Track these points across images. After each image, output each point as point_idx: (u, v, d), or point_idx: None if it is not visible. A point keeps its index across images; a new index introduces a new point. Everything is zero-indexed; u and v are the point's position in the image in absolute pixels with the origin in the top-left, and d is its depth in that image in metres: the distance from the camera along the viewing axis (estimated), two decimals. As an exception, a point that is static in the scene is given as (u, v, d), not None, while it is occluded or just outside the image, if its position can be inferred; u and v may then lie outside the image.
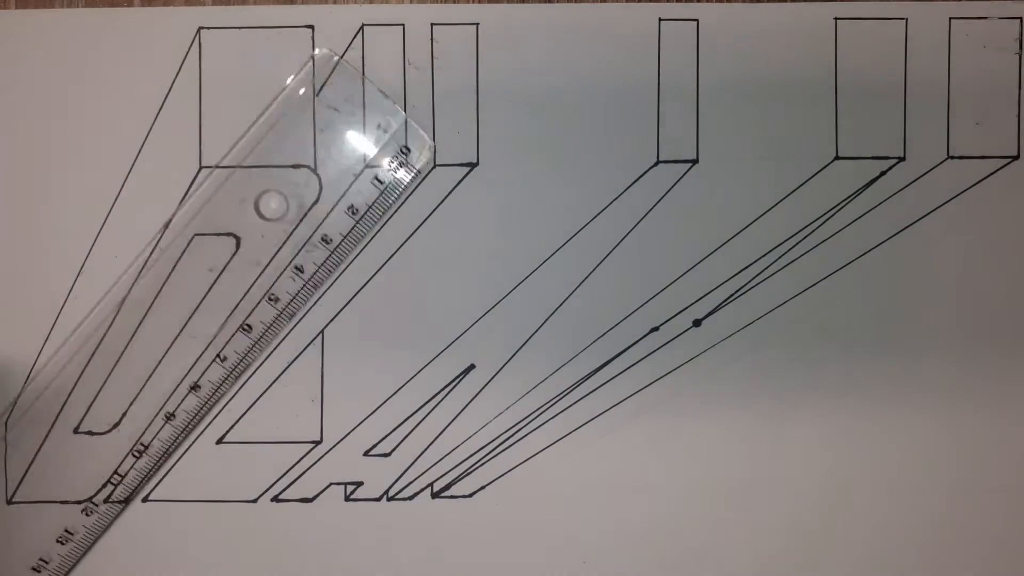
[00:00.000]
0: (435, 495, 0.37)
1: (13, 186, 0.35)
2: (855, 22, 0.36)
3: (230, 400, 0.36)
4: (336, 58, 0.36)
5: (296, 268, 0.36)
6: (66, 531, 0.36)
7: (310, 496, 0.37)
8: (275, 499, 0.37)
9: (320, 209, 0.36)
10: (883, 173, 0.37)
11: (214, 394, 0.36)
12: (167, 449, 0.36)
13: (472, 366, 0.37)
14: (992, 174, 0.37)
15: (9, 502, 0.36)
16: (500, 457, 0.37)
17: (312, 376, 0.37)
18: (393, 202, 0.36)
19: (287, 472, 0.37)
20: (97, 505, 0.36)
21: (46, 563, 0.36)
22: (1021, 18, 0.37)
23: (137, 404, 0.36)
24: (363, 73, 0.36)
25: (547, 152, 0.36)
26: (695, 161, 0.37)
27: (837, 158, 0.37)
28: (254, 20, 0.36)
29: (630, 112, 0.36)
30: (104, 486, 0.36)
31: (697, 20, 0.36)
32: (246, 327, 0.36)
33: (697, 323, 0.37)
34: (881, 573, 0.37)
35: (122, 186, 0.36)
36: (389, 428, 0.37)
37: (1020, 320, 0.37)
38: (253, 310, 0.36)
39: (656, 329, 0.37)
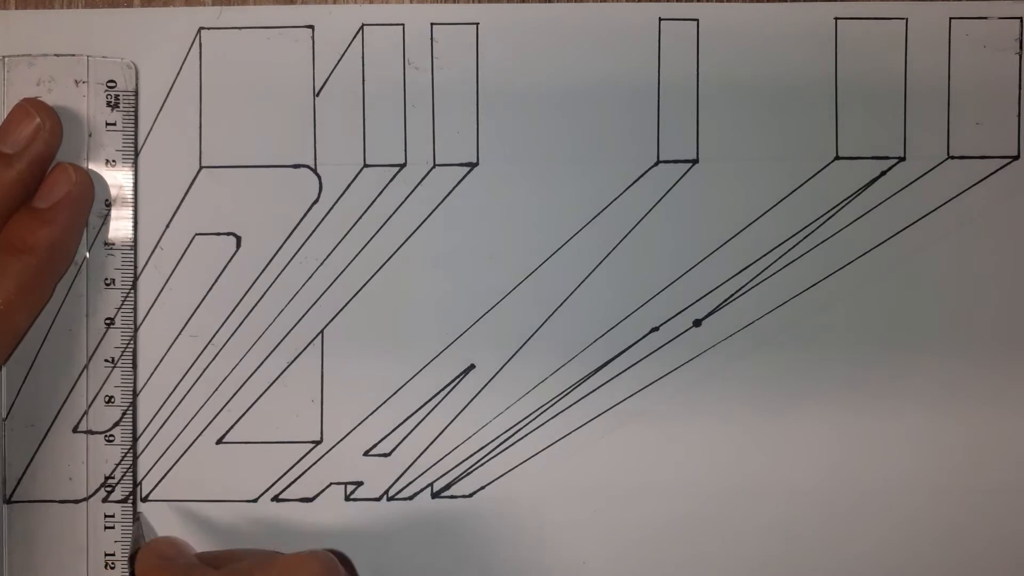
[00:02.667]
0: (435, 495, 0.37)
1: (13, 186, 0.35)
2: (855, 22, 0.36)
3: (230, 400, 0.36)
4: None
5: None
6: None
7: (310, 496, 0.37)
8: (275, 499, 0.37)
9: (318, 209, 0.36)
10: (883, 173, 0.37)
11: (213, 392, 0.36)
12: (167, 448, 0.36)
13: (472, 366, 0.37)
14: (992, 174, 0.37)
15: (8, 501, 0.36)
16: (500, 457, 0.37)
17: (312, 376, 0.37)
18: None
19: (287, 472, 0.37)
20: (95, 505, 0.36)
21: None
22: (1021, 18, 0.37)
23: (137, 402, 0.36)
24: (363, 73, 0.36)
25: (547, 152, 0.36)
26: (695, 161, 0.37)
27: (837, 158, 0.37)
28: (254, 20, 0.36)
29: (630, 112, 0.36)
30: (103, 485, 0.36)
31: (697, 20, 0.36)
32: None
33: (697, 323, 0.37)
34: (881, 572, 0.37)
35: (122, 186, 0.36)
36: (389, 428, 0.37)
37: (1020, 320, 0.37)
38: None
39: (656, 329, 0.37)
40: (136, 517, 0.36)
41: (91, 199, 0.35)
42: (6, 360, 0.35)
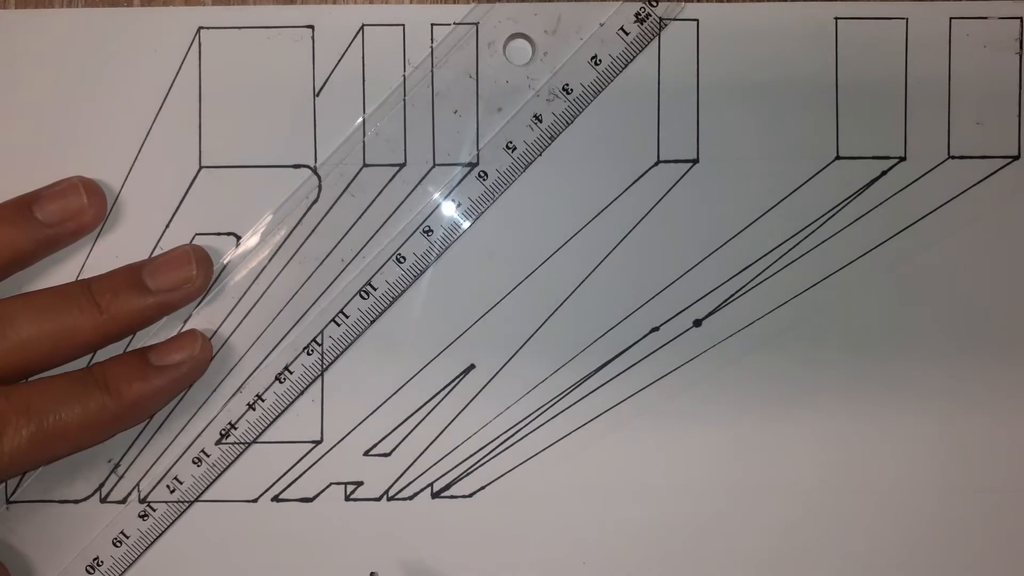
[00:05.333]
0: (435, 495, 0.37)
1: (13, 186, 0.35)
2: (855, 22, 0.36)
3: (229, 400, 0.36)
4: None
5: (535, 117, 0.36)
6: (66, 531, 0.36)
7: (310, 496, 0.37)
8: (275, 499, 0.37)
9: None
10: (883, 173, 0.37)
11: (214, 392, 0.36)
12: (166, 447, 0.36)
13: (472, 366, 0.37)
14: (992, 174, 0.37)
15: (8, 502, 0.36)
16: (500, 457, 0.37)
17: (312, 376, 0.37)
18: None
19: (287, 472, 0.37)
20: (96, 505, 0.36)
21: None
22: (1021, 18, 0.37)
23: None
24: (363, 73, 0.36)
25: (547, 152, 0.36)
26: (695, 161, 0.37)
27: (837, 158, 0.37)
28: (254, 20, 0.36)
29: (630, 112, 0.36)
30: (102, 485, 0.36)
31: (697, 20, 0.36)
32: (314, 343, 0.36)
33: (697, 323, 0.37)
34: (879, 573, 0.37)
35: (122, 186, 0.36)
36: (389, 428, 0.37)
37: (1020, 321, 0.37)
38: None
39: (656, 329, 0.37)
40: None
41: (202, 373, 0.35)
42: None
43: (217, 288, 0.36)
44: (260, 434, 0.36)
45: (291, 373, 0.36)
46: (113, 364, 0.34)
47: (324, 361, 0.36)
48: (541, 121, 0.36)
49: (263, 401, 0.36)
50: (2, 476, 0.32)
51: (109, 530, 0.36)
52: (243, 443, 0.36)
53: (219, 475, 0.36)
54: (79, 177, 0.35)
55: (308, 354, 0.36)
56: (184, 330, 0.35)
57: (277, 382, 0.36)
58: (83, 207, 0.34)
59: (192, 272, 0.34)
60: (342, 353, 0.36)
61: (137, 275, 0.34)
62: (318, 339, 0.36)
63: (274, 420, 0.36)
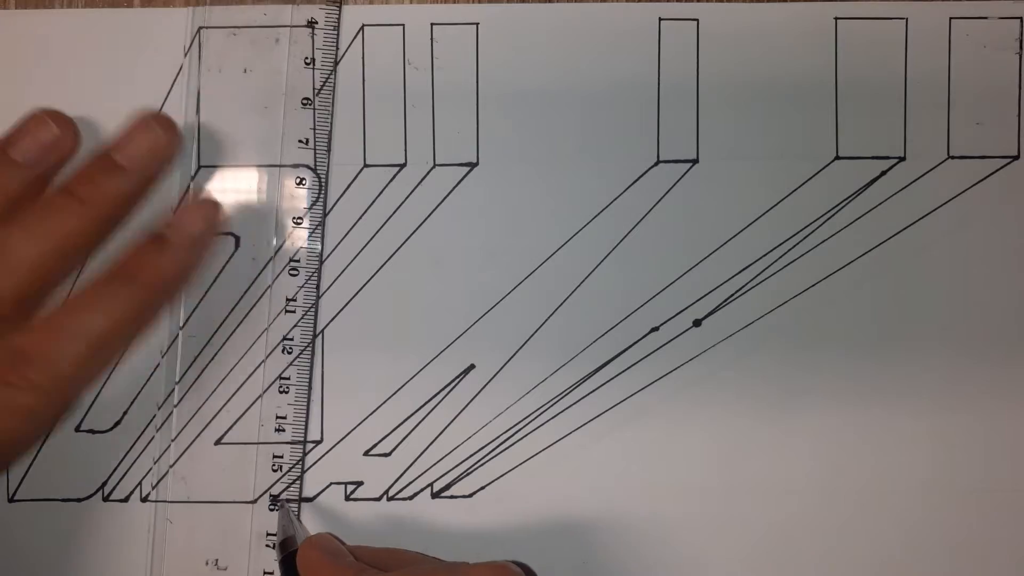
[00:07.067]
0: (435, 495, 0.37)
1: (13, 186, 0.35)
2: (855, 22, 0.36)
3: (229, 400, 0.36)
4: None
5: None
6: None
7: (310, 496, 0.37)
8: (275, 499, 0.37)
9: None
10: (883, 173, 0.37)
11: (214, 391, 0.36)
12: (166, 447, 0.36)
13: (472, 366, 0.37)
14: (992, 174, 0.37)
15: (10, 500, 0.36)
16: (500, 457, 0.37)
17: (312, 376, 0.37)
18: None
19: (287, 472, 0.37)
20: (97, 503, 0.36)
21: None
22: (1021, 18, 0.37)
23: (138, 403, 0.36)
24: (363, 73, 0.36)
25: (547, 152, 0.36)
26: (695, 161, 0.37)
27: (837, 158, 0.37)
28: (254, 20, 0.36)
29: (630, 112, 0.36)
30: (104, 484, 0.36)
31: (697, 20, 0.36)
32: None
33: (697, 323, 0.37)
34: (879, 573, 0.37)
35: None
36: (389, 428, 0.37)
37: (1020, 320, 0.37)
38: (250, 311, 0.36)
39: (656, 329, 0.37)
40: (282, 505, 0.36)
41: (216, 235, 0.34)
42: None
43: (215, 288, 0.36)
44: (256, 432, 0.36)
45: (292, 373, 0.36)
46: (125, 254, 0.33)
47: (324, 361, 0.36)
48: None
49: (259, 400, 0.36)
50: (72, 395, 0.32)
51: (106, 528, 0.36)
52: (244, 443, 0.36)
53: (216, 473, 0.36)
54: (41, 109, 0.33)
55: (303, 352, 0.36)
56: (186, 203, 0.34)
57: (274, 379, 0.36)
58: (57, 137, 0.33)
59: (158, 133, 0.33)
60: (342, 353, 0.36)
61: (107, 158, 0.33)
62: (318, 338, 0.36)
63: (270, 418, 0.36)
